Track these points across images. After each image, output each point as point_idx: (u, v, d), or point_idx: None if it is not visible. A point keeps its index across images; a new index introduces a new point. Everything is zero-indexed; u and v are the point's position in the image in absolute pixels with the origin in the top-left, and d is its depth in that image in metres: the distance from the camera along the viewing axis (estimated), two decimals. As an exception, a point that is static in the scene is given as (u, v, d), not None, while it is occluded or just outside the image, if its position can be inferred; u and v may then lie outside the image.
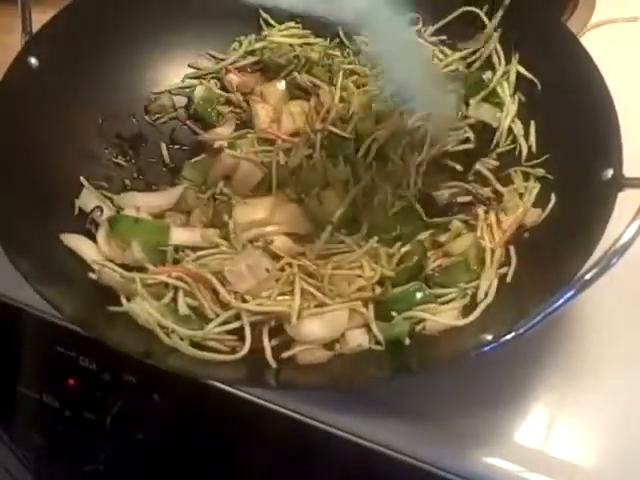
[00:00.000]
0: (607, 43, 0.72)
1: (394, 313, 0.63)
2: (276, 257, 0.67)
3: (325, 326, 0.63)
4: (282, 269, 0.66)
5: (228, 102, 0.83)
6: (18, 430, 0.86)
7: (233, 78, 0.83)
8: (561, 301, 0.51)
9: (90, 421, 0.77)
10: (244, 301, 0.64)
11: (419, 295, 0.64)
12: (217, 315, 0.63)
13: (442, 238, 0.69)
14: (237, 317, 0.63)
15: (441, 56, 0.82)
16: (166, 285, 0.65)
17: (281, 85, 0.82)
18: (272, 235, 0.69)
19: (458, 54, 0.81)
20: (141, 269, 0.67)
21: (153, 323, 0.62)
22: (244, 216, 0.69)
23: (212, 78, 0.84)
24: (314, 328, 0.62)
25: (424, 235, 0.70)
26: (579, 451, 0.61)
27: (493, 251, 0.66)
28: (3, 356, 0.79)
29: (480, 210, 0.70)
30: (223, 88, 0.84)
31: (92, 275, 0.66)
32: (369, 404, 0.62)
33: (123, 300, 0.64)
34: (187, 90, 0.83)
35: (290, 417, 0.64)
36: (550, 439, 0.61)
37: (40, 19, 0.74)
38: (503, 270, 0.65)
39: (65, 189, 0.71)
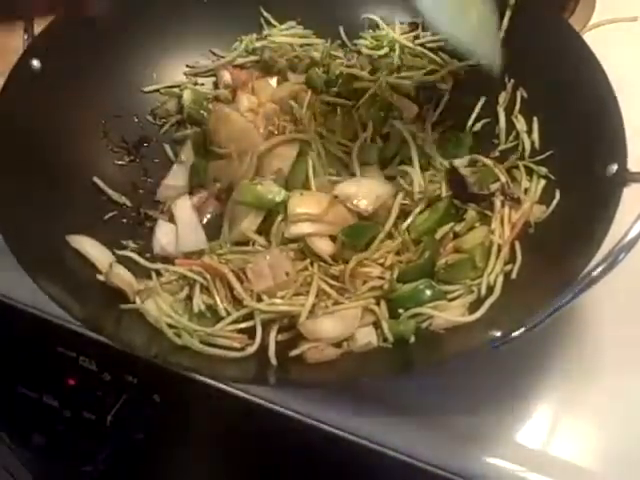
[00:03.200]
0: (607, 43, 0.72)
1: (401, 310, 0.63)
2: (301, 257, 0.67)
3: (337, 324, 0.63)
4: (305, 268, 0.66)
5: (216, 99, 0.82)
6: (18, 430, 0.86)
7: (225, 74, 0.83)
8: (569, 297, 0.51)
9: (90, 421, 0.77)
10: (259, 300, 0.64)
11: (428, 292, 0.64)
12: (228, 313, 0.64)
13: (457, 228, 0.69)
14: (250, 316, 0.63)
15: (440, 61, 0.82)
16: (182, 281, 0.66)
17: (273, 82, 0.81)
18: (320, 235, 0.67)
19: (457, 63, 0.81)
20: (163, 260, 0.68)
21: (162, 322, 0.62)
22: (298, 207, 0.67)
23: (210, 75, 0.84)
24: (326, 327, 0.62)
25: (445, 229, 0.69)
26: (580, 451, 0.60)
27: (500, 247, 0.67)
28: (3, 356, 0.79)
29: (498, 201, 0.70)
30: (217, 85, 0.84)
31: (100, 277, 0.66)
32: (370, 404, 0.62)
33: (137, 299, 0.64)
34: (176, 89, 0.83)
35: (291, 417, 0.64)
36: (551, 439, 0.61)
37: (41, 22, 0.74)
38: (508, 267, 0.65)
39: (70, 190, 0.71)
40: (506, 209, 0.69)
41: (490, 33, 0.65)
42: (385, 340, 0.62)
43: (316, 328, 0.62)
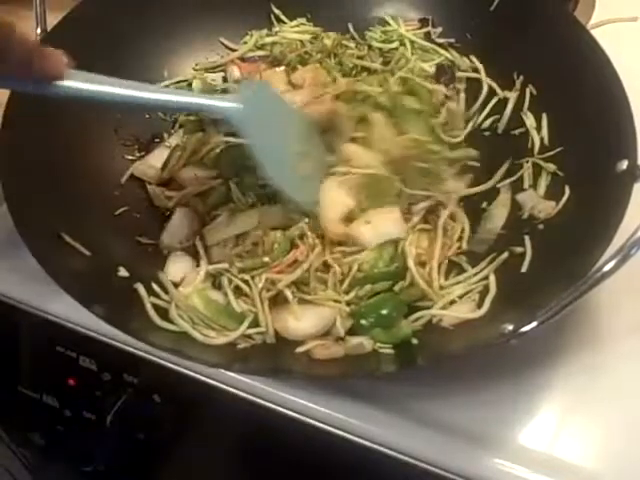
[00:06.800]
0: (607, 43, 0.72)
1: (363, 321, 0.64)
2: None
3: (314, 321, 0.64)
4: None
5: (225, 92, 0.83)
6: (18, 430, 0.85)
7: (234, 70, 0.84)
8: (580, 292, 0.52)
9: (90, 421, 0.77)
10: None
11: (386, 309, 0.64)
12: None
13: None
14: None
15: (450, 57, 0.83)
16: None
17: (280, 70, 0.82)
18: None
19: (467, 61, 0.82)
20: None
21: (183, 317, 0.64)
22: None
23: (219, 71, 0.85)
24: (303, 325, 0.64)
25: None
26: (583, 453, 0.60)
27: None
28: (3, 356, 0.79)
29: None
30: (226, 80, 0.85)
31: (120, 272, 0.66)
32: (373, 405, 0.62)
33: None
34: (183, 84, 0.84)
35: (291, 417, 0.64)
36: (554, 441, 0.61)
37: (53, 19, 0.74)
38: (517, 261, 0.66)
39: (81, 185, 0.71)
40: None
41: None
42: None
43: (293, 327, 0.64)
